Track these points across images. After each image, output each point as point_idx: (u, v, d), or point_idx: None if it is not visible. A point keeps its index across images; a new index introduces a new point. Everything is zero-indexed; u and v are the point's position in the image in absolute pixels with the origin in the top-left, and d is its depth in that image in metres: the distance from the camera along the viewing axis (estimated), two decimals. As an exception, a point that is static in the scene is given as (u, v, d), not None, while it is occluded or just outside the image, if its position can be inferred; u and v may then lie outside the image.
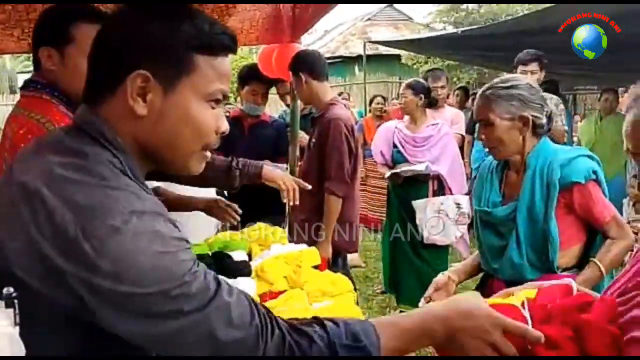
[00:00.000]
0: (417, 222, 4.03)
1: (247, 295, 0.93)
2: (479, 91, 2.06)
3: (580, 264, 1.97)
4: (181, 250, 0.85)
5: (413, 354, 1.09)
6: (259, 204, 2.96)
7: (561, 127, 4.13)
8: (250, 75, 3.75)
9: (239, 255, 2.21)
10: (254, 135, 3.73)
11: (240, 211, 2.45)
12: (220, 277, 0.92)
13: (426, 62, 12.55)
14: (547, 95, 4.41)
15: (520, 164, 2.03)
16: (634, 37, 4.46)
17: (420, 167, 4.01)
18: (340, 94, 8.05)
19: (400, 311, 4.21)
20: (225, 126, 1.00)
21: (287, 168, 3.66)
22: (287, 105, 4.33)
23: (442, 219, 3.98)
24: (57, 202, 0.81)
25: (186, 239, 0.89)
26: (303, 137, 3.78)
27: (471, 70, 12.08)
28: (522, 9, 12.03)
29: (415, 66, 13.44)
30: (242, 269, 2.08)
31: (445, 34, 7.62)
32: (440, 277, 2.09)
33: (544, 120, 1.99)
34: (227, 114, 4.37)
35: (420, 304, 1.95)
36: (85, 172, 0.85)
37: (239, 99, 3.88)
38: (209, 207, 2.46)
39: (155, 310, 0.81)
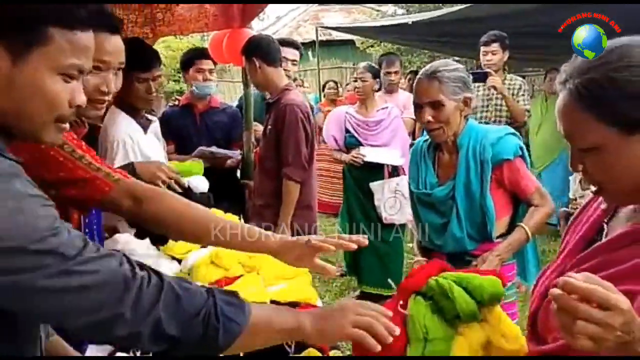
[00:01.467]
0: (376, 202, 4.08)
1: (122, 254, 0.97)
2: (420, 75, 2.12)
3: (509, 231, 2.15)
4: (39, 207, 0.87)
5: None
6: (216, 190, 2.96)
7: (522, 107, 4.26)
8: (192, 56, 3.66)
9: (198, 182, 2.19)
10: (205, 122, 3.66)
11: None
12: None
13: (378, 45, 12.58)
14: (512, 76, 4.53)
15: (451, 145, 2.16)
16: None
17: (396, 161, 4.08)
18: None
19: (362, 292, 4.30)
20: (81, 100, 0.99)
21: (240, 154, 3.65)
22: None
23: (398, 199, 4.04)
24: None
25: (46, 197, 0.91)
26: (257, 126, 3.76)
27: (422, 54, 12.17)
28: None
29: (368, 50, 13.46)
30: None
31: (396, 23, 7.62)
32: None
33: (475, 103, 2.15)
34: (177, 102, 4.30)
35: None
36: None
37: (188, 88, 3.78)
38: None
39: (17, 266, 0.83)
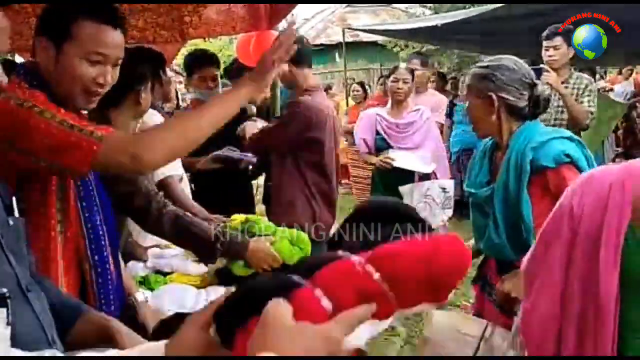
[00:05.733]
0: (405, 207, 3.99)
1: None
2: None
3: None
4: None
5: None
6: (229, 195, 2.92)
7: (585, 108, 3.85)
8: (195, 62, 3.53)
9: None
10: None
11: None
12: None
13: (406, 46, 12.49)
14: (579, 74, 4.11)
15: (504, 146, 2.03)
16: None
17: (425, 168, 4.01)
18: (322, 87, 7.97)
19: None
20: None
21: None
22: None
23: (429, 204, 3.96)
24: None
25: None
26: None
27: (452, 54, 12.05)
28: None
29: (395, 49, 13.37)
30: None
31: (424, 26, 7.49)
32: None
33: (522, 104, 1.97)
34: (189, 103, 4.27)
35: None
36: None
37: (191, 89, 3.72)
38: None
39: None
